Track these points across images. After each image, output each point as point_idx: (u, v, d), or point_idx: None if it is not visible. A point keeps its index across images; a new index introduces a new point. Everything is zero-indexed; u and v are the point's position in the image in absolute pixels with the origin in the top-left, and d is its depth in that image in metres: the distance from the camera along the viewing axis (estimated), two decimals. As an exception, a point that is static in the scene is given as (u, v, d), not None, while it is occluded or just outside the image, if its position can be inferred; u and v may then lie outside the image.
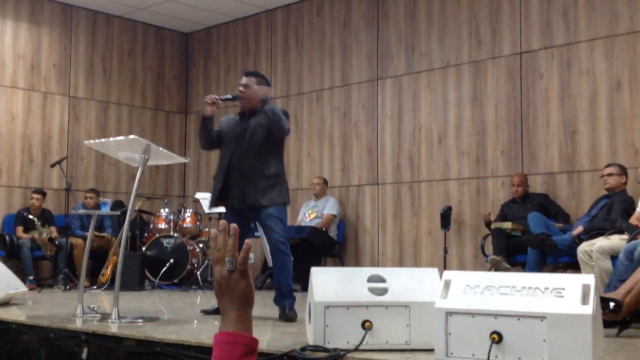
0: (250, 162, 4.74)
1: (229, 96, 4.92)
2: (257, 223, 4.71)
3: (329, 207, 8.12)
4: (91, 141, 5.29)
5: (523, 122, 7.26)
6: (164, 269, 7.87)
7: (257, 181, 4.71)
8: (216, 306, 4.78)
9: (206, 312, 4.99)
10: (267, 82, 4.98)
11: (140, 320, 4.39)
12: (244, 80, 4.86)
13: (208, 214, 8.37)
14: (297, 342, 3.33)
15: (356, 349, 3.00)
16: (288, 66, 9.20)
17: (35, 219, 8.14)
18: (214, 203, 4.96)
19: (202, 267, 7.98)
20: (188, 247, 8.03)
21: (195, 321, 4.66)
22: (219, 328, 1.45)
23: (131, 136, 4.84)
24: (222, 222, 1.45)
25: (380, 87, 8.39)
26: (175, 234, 8.21)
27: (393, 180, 8.18)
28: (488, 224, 6.95)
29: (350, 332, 3.06)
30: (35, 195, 8.30)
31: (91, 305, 4.76)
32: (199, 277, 7.82)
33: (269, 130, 4.74)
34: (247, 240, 1.42)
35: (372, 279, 3.19)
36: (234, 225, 1.44)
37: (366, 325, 3.05)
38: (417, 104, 8.06)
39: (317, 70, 9.00)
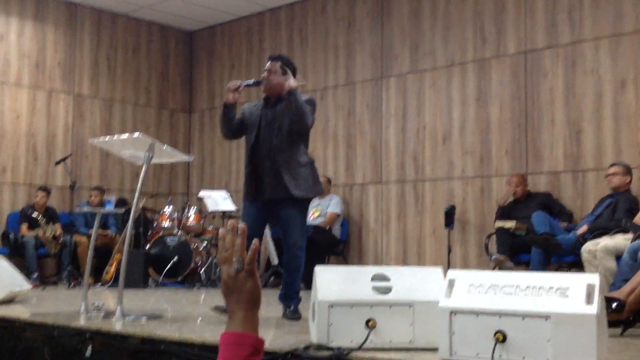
0: (283, 150, 4.56)
1: (251, 82, 4.73)
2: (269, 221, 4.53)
3: (333, 205, 8.11)
4: (95, 139, 5.29)
5: (527, 121, 7.25)
6: (168, 266, 7.88)
7: (292, 170, 4.55)
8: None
9: (219, 309, 4.60)
10: (293, 66, 4.75)
11: (144, 318, 4.39)
12: (268, 64, 4.68)
13: (212, 212, 8.38)
14: (300, 340, 3.32)
15: (360, 348, 3.00)
16: (292, 64, 9.17)
17: (40, 216, 8.16)
18: (246, 196, 4.71)
19: (206, 265, 7.98)
20: (192, 245, 8.04)
21: (199, 319, 4.67)
22: (225, 328, 1.45)
23: (135, 134, 4.80)
24: (231, 221, 1.46)
25: (384, 86, 8.38)
26: (179, 232, 8.22)
27: (397, 179, 8.17)
28: (501, 209, 6.92)
29: (354, 331, 3.05)
30: (40, 193, 8.32)
31: (95, 303, 4.76)
32: (203, 275, 7.83)
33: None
34: (254, 241, 1.42)
35: (376, 277, 3.18)
36: (241, 225, 1.44)
37: (370, 324, 3.04)
38: (422, 103, 8.05)
39: (321, 69, 9.00)
